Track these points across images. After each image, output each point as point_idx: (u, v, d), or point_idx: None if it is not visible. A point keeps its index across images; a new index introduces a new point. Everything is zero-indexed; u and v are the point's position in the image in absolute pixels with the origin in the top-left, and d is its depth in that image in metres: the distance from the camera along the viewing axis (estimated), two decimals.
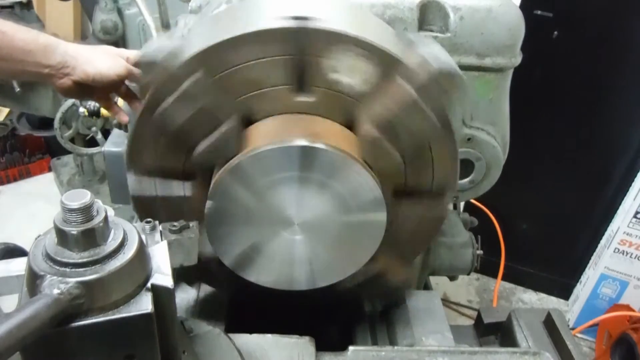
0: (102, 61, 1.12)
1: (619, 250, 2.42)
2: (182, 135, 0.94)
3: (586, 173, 2.54)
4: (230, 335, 0.92)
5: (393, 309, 1.20)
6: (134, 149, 0.97)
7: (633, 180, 2.35)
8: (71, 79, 1.11)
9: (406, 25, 1.11)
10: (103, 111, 1.94)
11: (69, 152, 3.14)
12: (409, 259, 1.14)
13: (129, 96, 1.16)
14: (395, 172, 0.98)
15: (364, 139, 0.94)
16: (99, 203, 0.63)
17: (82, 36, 4.11)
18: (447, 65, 0.96)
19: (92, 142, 3.01)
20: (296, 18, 0.88)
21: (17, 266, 1.00)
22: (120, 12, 2.95)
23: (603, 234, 2.54)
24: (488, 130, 1.21)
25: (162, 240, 0.74)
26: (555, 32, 2.31)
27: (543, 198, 2.64)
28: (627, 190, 2.39)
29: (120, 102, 1.20)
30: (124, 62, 1.15)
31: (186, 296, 1.20)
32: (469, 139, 1.20)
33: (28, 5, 2.93)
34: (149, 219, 0.75)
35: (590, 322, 2.52)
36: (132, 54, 1.22)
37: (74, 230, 0.60)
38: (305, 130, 0.90)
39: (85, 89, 1.14)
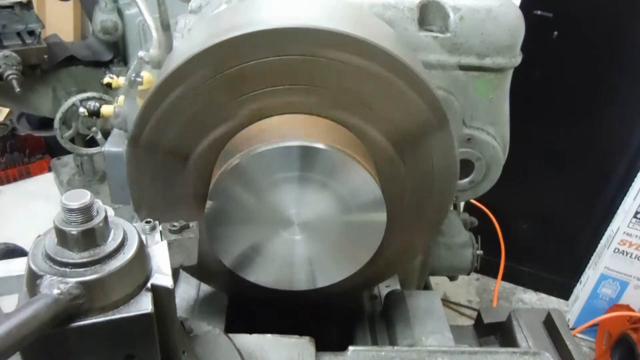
0: None
1: (619, 250, 2.42)
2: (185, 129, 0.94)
3: (586, 173, 2.53)
4: (230, 335, 0.92)
5: (393, 309, 1.20)
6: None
7: (633, 180, 2.35)
8: None
9: (406, 26, 1.11)
10: (103, 111, 1.94)
11: (69, 152, 3.14)
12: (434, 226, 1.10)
13: None
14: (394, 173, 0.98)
15: (372, 146, 0.94)
16: (99, 203, 0.63)
17: (82, 36, 4.11)
18: None
19: (92, 142, 3.01)
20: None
21: (17, 266, 1.00)
22: (120, 12, 2.95)
23: (603, 234, 2.54)
24: (488, 130, 1.21)
25: (162, 240, 0.74)
26: (555, 32, 2.31)
27: (543, 198, 2.64)
28: (627, 190, 2.39)
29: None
30: None
31: (186, 296, 1.20)
32: (469, 139, 1.20)
33: (28, 5, 2.93)
34: (149, 219, 0.75)
35: (590, 322, 2.53)
36: None
37: (74, 230, 0.60)
38: (306, 130, 0.90)
39: None
